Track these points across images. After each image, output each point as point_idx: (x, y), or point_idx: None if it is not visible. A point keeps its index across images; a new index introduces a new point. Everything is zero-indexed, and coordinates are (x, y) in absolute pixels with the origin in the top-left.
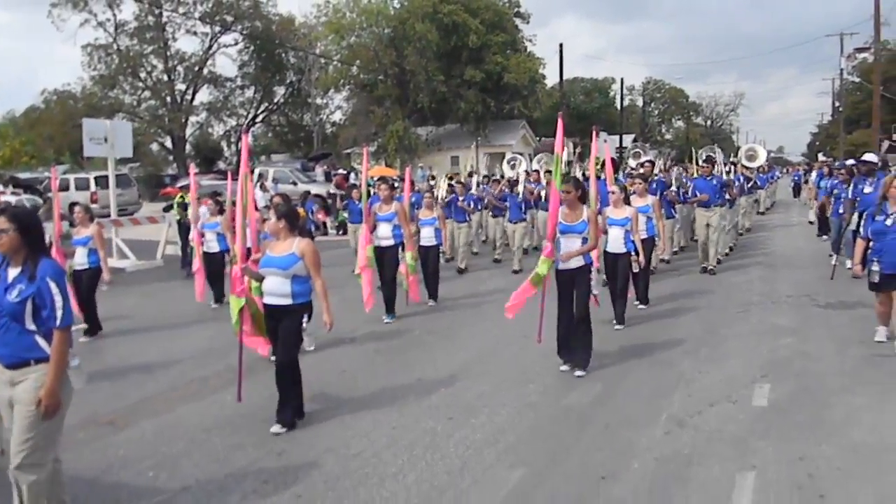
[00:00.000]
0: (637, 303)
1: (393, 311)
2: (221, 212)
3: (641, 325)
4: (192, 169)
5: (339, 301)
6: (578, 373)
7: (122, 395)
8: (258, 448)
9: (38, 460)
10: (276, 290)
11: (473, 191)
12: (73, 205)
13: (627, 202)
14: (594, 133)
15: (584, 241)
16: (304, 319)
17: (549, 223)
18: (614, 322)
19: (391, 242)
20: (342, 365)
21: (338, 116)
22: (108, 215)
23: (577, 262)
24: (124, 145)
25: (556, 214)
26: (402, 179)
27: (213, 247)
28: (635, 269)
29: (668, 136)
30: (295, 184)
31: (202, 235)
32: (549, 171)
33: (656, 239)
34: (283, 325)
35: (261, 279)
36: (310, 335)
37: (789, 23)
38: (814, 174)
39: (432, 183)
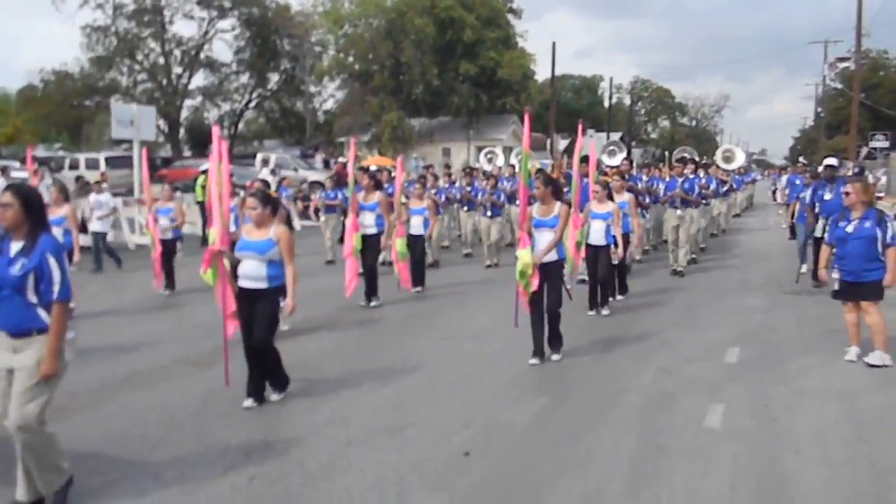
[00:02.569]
0: (619, 297)
1: (376, 294)
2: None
3: (627, 310)
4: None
5: (321, 288)
6: (555, 357)
7: (112, 371)
8: (243, 423)
9: (33, 423)
10: (252, 273)
11: (458, 185)
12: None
13: (611, 198)
14: (580, 128)
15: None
16: (281, 300)
17: (521, 216)
18: (598, 310)
19: (374, 231)
20: (322, 346)
21: (330, 105)
22: (122, 194)
23: (549, 257)
24: (148, 128)
25: (525, 208)
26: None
27: (168, 234)
28: (614, 261)
29: (653, 136)
30: (296, 170)
31: (156, 220)
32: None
33: (631, 235)
34: (259, 308)
35: (237, 262)
36: (285, 316)
37: (776, 28)
38: (784, 178)
39: (424, 172)
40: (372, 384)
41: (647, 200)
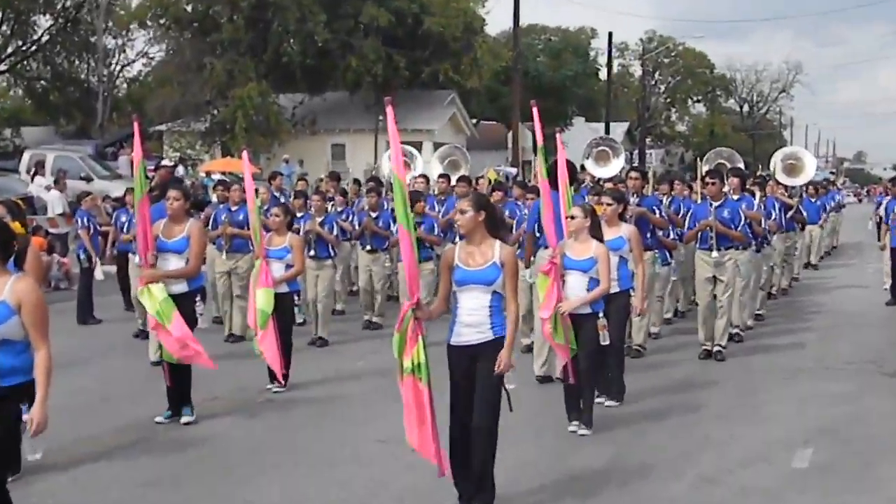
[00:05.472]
0: (603, 399)
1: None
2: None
3: (651, 395)
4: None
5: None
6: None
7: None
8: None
9: None
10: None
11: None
12: None
13: (596, 234)
14: (535, 114)
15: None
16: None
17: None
18: (577, 427)
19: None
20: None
21: (140, 70)
22: None
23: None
24: None
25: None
26: (270, 180)
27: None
28: (603, 341)
29: (680, 127)
30: (88, 179)
31: None
32: (497, 182)
33: (632, 293)
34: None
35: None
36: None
37: None
38: (886, 199)
39: (301, 186)
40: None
41: (672, 237)
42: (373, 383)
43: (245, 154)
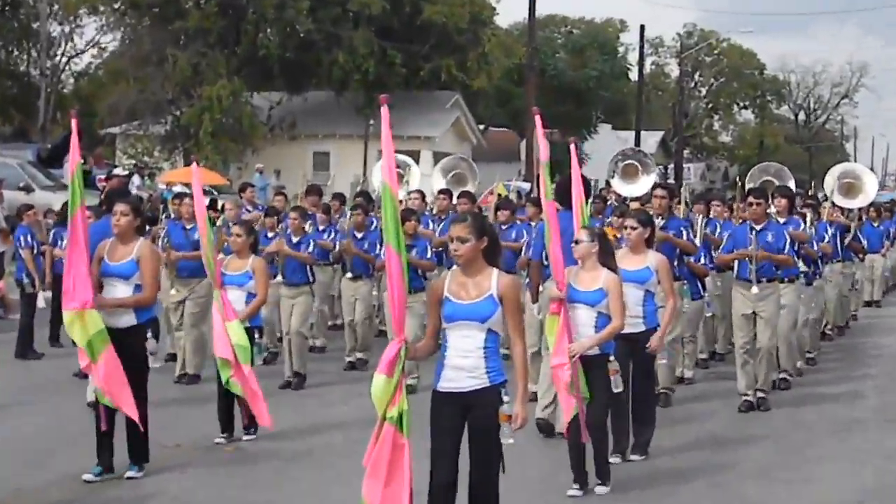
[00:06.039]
0: (617, 456)
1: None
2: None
3: (683, 450)
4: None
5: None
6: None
7: None
8: None
9: None
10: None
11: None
12: None
13: (606, 262)
14: (537, 120)
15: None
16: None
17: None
18: (577, 490)
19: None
20: None
21: (89, 62)
22: None
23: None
24: None
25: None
26: (241, 193)
27: None
28: (615, 387)
29: (724, 138)
30: (28, 189)
31: None
32: (505, 198)
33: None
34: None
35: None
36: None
37: None
38: None
39: (275, 202)
40: None
41: (706, 264)
42: (358, 433)
43: (194, 164)
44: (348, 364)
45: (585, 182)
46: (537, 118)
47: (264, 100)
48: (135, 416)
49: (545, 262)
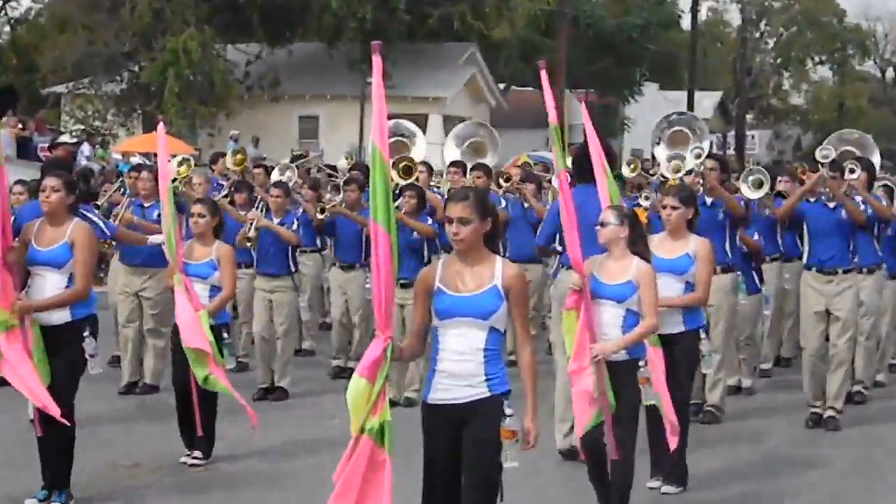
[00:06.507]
0: (658, 483)
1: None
2: None
3: (734, 476)
4: None
5: None
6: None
7: None
8: None
9: None
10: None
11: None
12: None
13: (639, 249)
14: (543, 74)
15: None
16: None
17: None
18: None
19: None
20: None
21: (29, 4)
22: None
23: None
24: None
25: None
26: (212, 165)
27: None
28: (646, 399)
29: (797, 99)
30: None
31: None
32: (527, 164)
33: (702, 334)
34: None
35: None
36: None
37: None
38: None
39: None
40: None
41: (766, 248)
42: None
43: (160, 126)
44: (335, 369)
45: (609, 152)
46: (543, 72)
47: (240, 53)
48: (55, 413)
49: (559, 249)
